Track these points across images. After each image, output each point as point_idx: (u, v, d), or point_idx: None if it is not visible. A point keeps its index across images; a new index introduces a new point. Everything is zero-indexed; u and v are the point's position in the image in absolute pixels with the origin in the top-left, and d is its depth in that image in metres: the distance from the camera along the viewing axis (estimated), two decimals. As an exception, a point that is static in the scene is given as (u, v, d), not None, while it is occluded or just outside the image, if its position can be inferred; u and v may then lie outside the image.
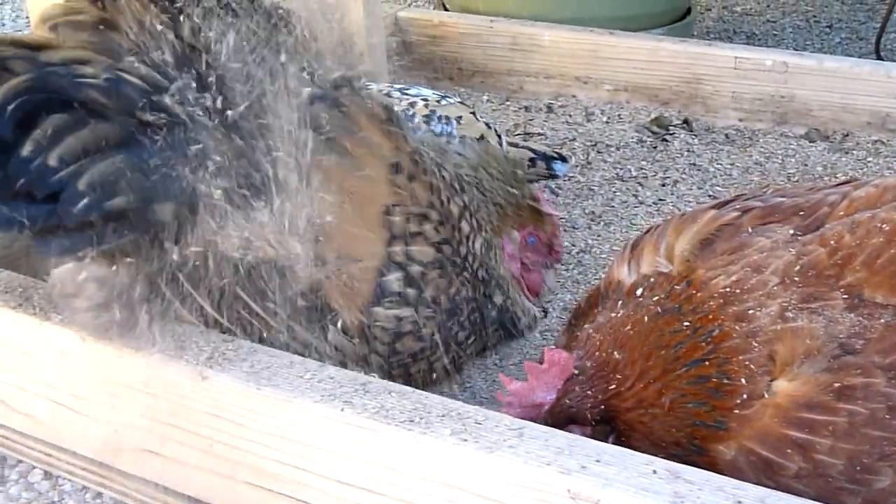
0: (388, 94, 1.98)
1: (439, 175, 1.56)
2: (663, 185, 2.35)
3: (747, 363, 1.25)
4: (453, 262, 1.54)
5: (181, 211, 1.28)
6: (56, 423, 1.52)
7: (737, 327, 1.27)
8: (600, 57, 2.77)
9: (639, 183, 2.37)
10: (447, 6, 3.26)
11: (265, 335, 1.40)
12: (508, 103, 2.88)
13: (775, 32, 3.81)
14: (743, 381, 1.25)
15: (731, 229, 1.38)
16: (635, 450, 1.20)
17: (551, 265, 1.87)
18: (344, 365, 1.42)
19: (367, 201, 1.45)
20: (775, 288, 1.28)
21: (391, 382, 1.31)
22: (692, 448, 1.29)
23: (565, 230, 2.15)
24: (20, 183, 1.19)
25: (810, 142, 2.57)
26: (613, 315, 1.39)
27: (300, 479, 1.31)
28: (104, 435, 1.48)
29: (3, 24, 4.02)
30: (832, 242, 1.29)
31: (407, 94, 2.02)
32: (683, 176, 2.40)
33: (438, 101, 2.01)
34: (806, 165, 2.45)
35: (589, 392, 1.34)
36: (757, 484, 1.12)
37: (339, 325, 1.44)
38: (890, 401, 1.17)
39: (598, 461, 1.16)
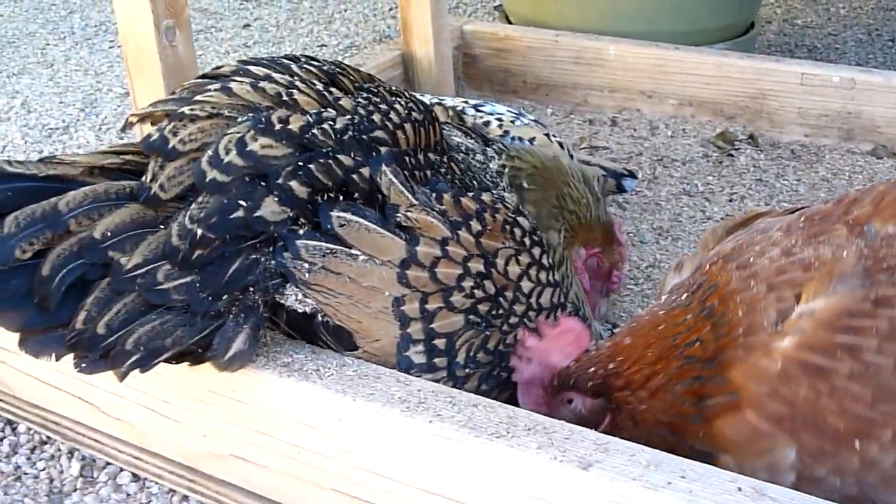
0: (462, 112, 2.01)
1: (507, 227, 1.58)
2: (730, 201, 2.37)
3: (747, 300, 1.32)
4: (496, 314, 1.53)
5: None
6: (146, 428, 1.58)
7: (736, 274, 1.35)
8: (665, 71, 2.78)
9: (706, 198, 2.39)
10: (511, 18, 3.29)
11: None
12: (573, 116, 2.91)
13: (837, 46, 3.80)
14: (740, 314, 1.32)
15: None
16: (622, 429, 1.34)
17: (606, 293, 1.90)
18: None
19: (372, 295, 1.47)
20: (778, 235, 1.37)
21: (479, 396, 1.35)
22: (690, 419, 1.32)
23: (633, 244, 2.17)
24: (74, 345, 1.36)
25: (877, 158, 2.56)
26: (644, 312, 1.46)
27: (387, 487, 1.35)
28: (193, 440, 1.53)
29: (73, 32, 4.13)
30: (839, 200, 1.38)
31: (481, 112, 2.05)
32: (750, 192, 2.41)
33: (513, 122, 2.03)
34: (873, 182, 2.44)
35: (594, 366, 1.42)
36: (810, 389, 1.19)
37: None
38: None
39: (682, 477, 1.19)
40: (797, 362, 1.25)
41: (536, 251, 1.61)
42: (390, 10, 4.34)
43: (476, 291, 1.51)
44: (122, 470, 1.65)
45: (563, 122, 2.87)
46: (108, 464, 1.67)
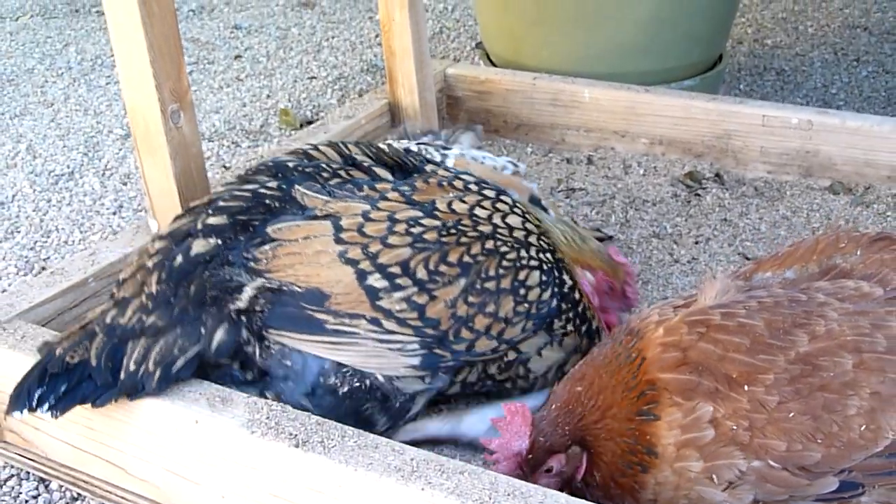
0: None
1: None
2: (696, 243, 2.55)
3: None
4: (449, 234, 1.84)
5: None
6: (169, 488, 1.76)
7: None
8: (637, 112, 2.96)
9: (674, 241, 2.57)
10: (490, 57, 3.46)
11: None
12: (551, 155, 3.09)
13: (804, 67, 3.98)
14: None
15: None
16: (603, 461, 1.58)
17: (626, 309, 2.10)
18: None
19: None
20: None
21: (465, 464, 1.53)
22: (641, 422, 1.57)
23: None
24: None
25: (834, 194, 2.75)
26: (581, 364, 1.69)
27: (386, 545, 1.54)
28: (212, 499, 1.71)
29: (70, 67, 4.28)
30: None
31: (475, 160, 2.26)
32: (715, 233, 2.60)
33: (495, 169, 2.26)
34: (829, 220, 2.63)
35: (559, 425, 1.61)
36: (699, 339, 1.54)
37: None
38: (788, 297, 1.60)
39: (641, 538, 1.38)
40: (685, 322, 1.57)
41: (487, 202, 1.91)
42: (376, 36, 4.50)
43: (413, 229, 1.80)
44: (147, 524, 1.84)
45: (542, 162, 3.05)
46: (134, 518, 1.85)
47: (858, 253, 1.75)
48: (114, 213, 2.99)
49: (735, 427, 1.50)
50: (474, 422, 1.89)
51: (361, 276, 1.73)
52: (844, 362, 1.52)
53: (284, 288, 1.74)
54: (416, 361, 1.76)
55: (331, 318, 1.72)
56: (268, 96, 3.88)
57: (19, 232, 2.91)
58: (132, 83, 2.03)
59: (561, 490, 1.59)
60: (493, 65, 3.42)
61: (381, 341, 1.73)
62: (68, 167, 3.32)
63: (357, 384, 1.75)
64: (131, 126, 2.10)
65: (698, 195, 2.78)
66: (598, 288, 2.04)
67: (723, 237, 2.58)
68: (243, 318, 1.76)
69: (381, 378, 1.76)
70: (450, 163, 2.31)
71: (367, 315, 1.72)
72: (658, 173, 2.91)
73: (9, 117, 3.78)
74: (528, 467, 1.59)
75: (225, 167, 3.27)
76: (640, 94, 2.95)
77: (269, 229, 1.78)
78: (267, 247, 1.76)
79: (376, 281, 1.73)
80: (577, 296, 1.95)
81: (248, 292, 1.75)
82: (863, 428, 1.51)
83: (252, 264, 1.75)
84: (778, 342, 1.54)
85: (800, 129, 2.76)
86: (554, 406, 1.63)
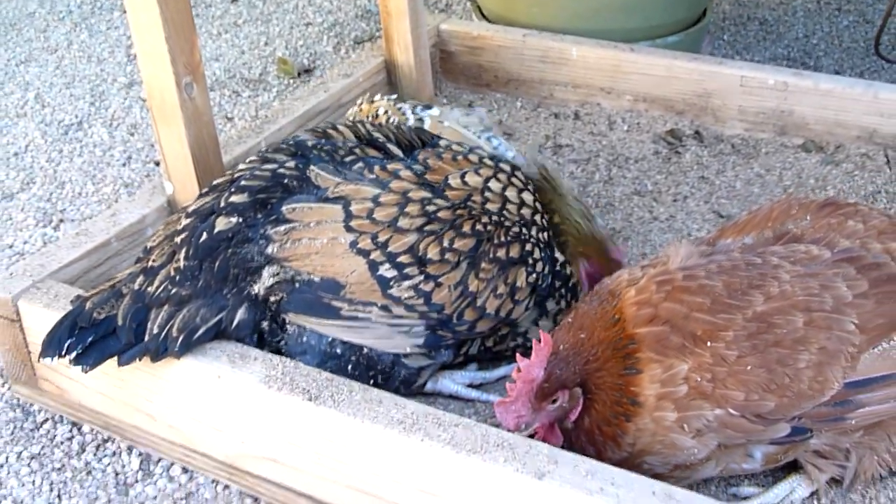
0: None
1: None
2: (675, 201, 2.73)
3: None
4: (461, 213, 2.01)
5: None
6: (193, 434, 1.97)
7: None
8: (622, 71, 3.11)
9: (654, 199, 2.75)
10: (485, 14, 3.58)
11: None
12: (540, 109, 3.24)
13: (787, 17, 4.11)
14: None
15: None
16: (595, 409, 1.77)
17: None
18: None
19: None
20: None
21: (460, 417, 1.73)
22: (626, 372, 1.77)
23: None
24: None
25: (806, 152, 2.92)
26: (576, 313, 1.88)
27: (389, 486, 1.75)
28: (233, 444, 1.92)
29: (71, 11, 4.37)
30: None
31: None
32: (692, 190, 2.77)
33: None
34: (800, 178, 2.81)
35: (570, 363, 1.78)
36: (664, 296, 1.75)
37: None
38: (745, 261, 1.79)
39: (612, 483, 1.58)
40: (653, 282, 1.78)
41: (503, 175, 2.08)
42: (370, -19, 4.59)
43: (428, 208, 1.96)
44: (173, 464, 2.04)
45: (531, 117, 3.20)
46: (161, 459, 2.06)
47: (808, 218, 1.94)
48: (123, 165, 3.14)
49: (700, 379, 1.70)
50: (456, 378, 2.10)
51: (373, 266, 1.90)
52: (796, 320, 1.72)
53: (303, 277, 1.91)
54: (420, 341, 1.95)
55: (346, 305, 1.90)
56: (265, 43, 3.99)
57: (34, 183, 3.06)
58: (149, 58, 2.17)
59: (552, 426, 1.80)
60: (486, 19, 3.54)
61: (391, 325, 1.92)
62: (76, 117, 3.45)
63: (366, 360, 1.94)
64: (148, 97, 2.24)
65: (678, 153, 2.95)
66: (588, 273, 2.20)
67: (699, 195, 2.76)
68: (262, 302, 1.93)
69: (389, 355, 1.95)
70: (426, 124, 2.48)
71: (379, 303, 1.90)
72: (641, 129, 3.07)
73: (14, 64, 3.90)
74: (539, 395, 1.75)
75: (228, 118, 3.41)
76: (626, 53, 3.09)
77: (283, 208, 1.94)
78: (282, 227, 1.92)
79: (387, 271, 1.90)
80: (568, 272, 2.13)
81: (266, 280, 1.91)
82: (811, 380, 1.71)
83: (269, 249, 1.91)
84: (736, 302, 1.74)
85: (776, 90, 2.92)
86: (562, 346, 1.80)
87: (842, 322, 1.73)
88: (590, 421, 1.81)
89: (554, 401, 1.79)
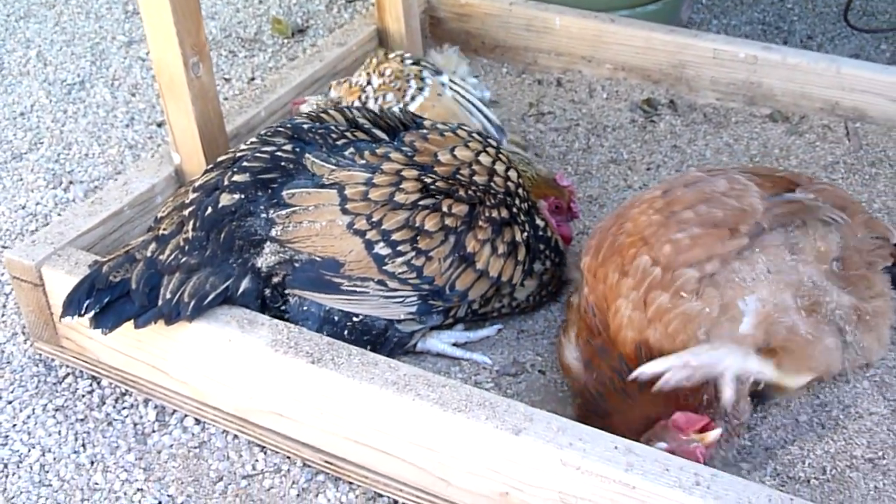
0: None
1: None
2: (648, 170, 2.92)
3: None
4: (455, 185, 2.21)
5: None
6: (206, 389, 2.17)
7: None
8: (603, 41, 3.27)
9: (629, 167, 2.93)
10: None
11: None
12: (524, 76, 3.40)
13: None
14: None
15: None
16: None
17: (573, 219, 2.48)
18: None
19: None
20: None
21: (447, 378, 1.94)
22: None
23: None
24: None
25: (773, 122, 3.10)
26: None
27: (384, 439, 1.97)
28: (242, 399, 2.13)
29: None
30: None
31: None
32: (665, 159, 2.96)
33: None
34: (766, 148, 3.00)
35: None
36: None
37: None
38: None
39: (580, 439, 1.80)
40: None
41: (491, 149, 2.29)
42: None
43: (426, 180, 2.16)
44: (186, 416, 2.25)
45: (515, 83, 3.37)
46: (175, 411, 2.27)
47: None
48: (127, 126, 3.30)
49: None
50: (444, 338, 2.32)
51: (369, 245, 2.09)
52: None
53: (303, 257, 2.11)
54: (413, 310, 2.16)
55: (345, 281, 2.10)
56: (260, 1, 4.11)
57: (42, 144, 3.22)
58: (158, 40, 2.32)
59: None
60: (474, -16, 3.67)
61: (386, 297, 2.12)
62: (78, 76, 3.59)
63: (362, 325, 2.15)
64: (157, 75, 2.40)
65: (653, 121, 3.13)
66: (550, 209, 2.41)
67: (671, 163, 2.95)
68: (266, 278, 2.13)
69: (383, 321, 2.15)
70: (425, 94, 2.67)
71: (375, 278, 2.10)
72: (619, 98, 3.24)
73: (14, 20, 4.01)
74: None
75: (225, 79, 3.56)
76: (607, 24, 3.25)
77: (284, 193, 2.12)
78: (283, 211, 2.11)
79: (381, 249, 2.10)
80: (549, 234, 2.33)
81: (269, 258, 2.11)
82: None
83: (273, 231, 2.10)
84: None
85: (746, 63, 3.09)
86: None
87: None
88: None
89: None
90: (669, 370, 1.91)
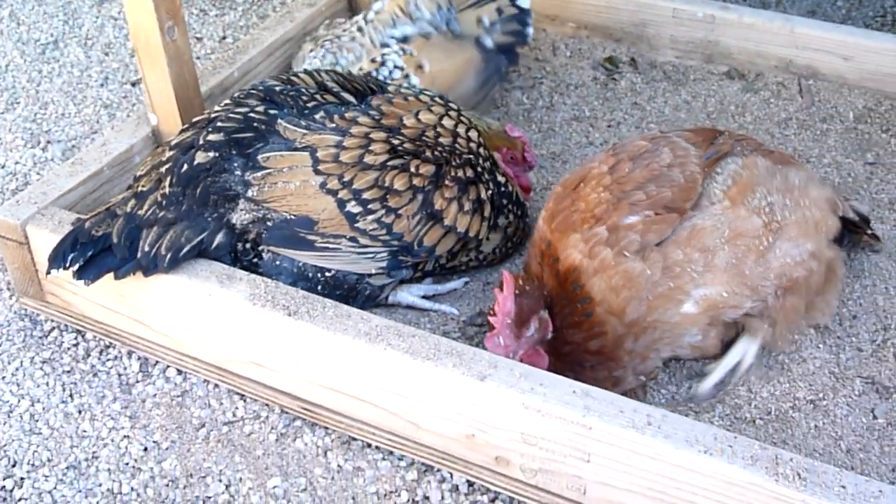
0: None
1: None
2: (609, 127, 3.03)
3: None
4: (419, 146, 2.32)
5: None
6: (186, 341, 2.29)
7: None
8: (567, 1, 3.36)
9: (590, 124, 3.05)
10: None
11: None
12: (490, 34, 3.49)
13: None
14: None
15: None
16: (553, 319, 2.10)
17: (530, 168, 2.60)
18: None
19: None
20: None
21: (416, 329, 2.06)
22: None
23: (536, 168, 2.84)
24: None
25: (730, 79, 3.22)
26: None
27: (356, 385, 2.10)
28: (221, 350, 2.24)
29: None
30: None
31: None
32: (626, 116, 3.07)
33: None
34: (722, 105, 3.12)
35: (538, 292, 2.12)
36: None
37: None
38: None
39: (541, 385, 1.94)
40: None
41: (454, 112, 2.41)
42: None
43: (393, 141, 2.28)
44: (168, 367, 2.36)
45: (482, 41, 3.45)
46: (158, 362, 2.38)
47: None
48: (101, 86, 3.36)
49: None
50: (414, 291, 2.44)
51: (341, 204, 2.20)
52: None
53: (276, 216, 2.21)
54: (383, 265, 2.27)
55: (318, 238, 2.21)
56: (229, -41, 4.14)
57: (18, 104, 3.28)
58: (135, 5, 2.39)
59: (535, 350, 2.11)
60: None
61: (358, 253, 2.23)
62: (52, 35, 3.64)
63: (334, 280, 2.26)
64: (134, 40, 2.48)
65: (615, 79, 3.24)
66: (506, 160, 2.53)
67: (631, 120, 3.06)
68: (240, 234, 2.24)
69: (354, 276, 2.27)
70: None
71: (347, 235, 2.21)
72: (582, 56, 3.34)
73: (-16, -22, 4.02)
74: (517, 324, 2.06)
75: (197, 38, 3.62)
76: (570, -16, 3.34)
77: (259, 157, 2.23)
78: (259, 173, 2.21)
79: (353, 207, 2.21)
80: (510, 188, 2.45)
81: (244, 215, 2.22)
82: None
83: (250, 192, 2.21)
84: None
85: (704, 22, 3.20)
86: (521, 281, 2.13)
87: None
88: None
89: (528, 327, 2.09)
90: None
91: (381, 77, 2.73)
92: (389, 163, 2.24)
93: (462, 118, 2.40)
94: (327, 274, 2.26)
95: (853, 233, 2.49)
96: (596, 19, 3.35)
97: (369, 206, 2.22)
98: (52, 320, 2.48)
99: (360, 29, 2.86)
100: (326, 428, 2.20)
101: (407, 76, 2.77)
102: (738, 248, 2.10)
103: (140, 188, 2.28)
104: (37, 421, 2.26)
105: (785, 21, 3.13)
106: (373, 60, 2.77)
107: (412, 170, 2.25)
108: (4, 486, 2.12)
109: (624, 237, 2.07)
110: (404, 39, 2.84)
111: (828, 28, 3.13)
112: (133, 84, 3.36)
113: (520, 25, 2.99)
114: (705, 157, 2.21)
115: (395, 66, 2.77)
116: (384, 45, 2.82)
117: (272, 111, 2.28)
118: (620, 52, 3.34)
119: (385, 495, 2.08)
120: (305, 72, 2.45)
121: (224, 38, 3.61)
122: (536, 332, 2.10)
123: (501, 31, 2.98)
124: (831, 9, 3.73)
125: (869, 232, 2.52)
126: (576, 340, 2.12)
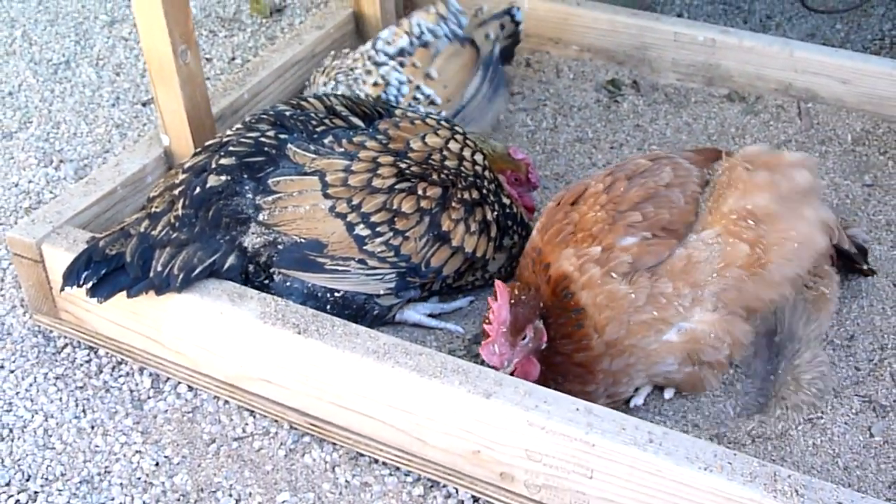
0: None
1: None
2: (612, 148, 3.09)
3: None
4: (426, 170, 2.37)
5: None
6: (198, 358, 2.34)
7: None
8: (569, 24, 3.42)
9: (593, 146, 3.10)
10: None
11: None
12: (495, 56, 3.55)
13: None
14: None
15: None
16: (549, 329, 2.15)
17: (534, 189, 2.66)
18: None
19: None
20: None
21: (423, 347, 2.11)
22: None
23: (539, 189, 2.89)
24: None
25: (730, 101, 3.28)
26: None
27: (364, 403, 2.14)
28: (232, 367, 2.29)
29: None
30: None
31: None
32: (628, 138, 3.13)
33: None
34: (723, 127, 3.18)
35: (534, 301, 2.15)
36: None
37: None
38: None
39: (545, 402, 1.98)
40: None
41: (459, 136, 2.46)
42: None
43: (400, 165, 2.34)
44: (180, 383, 2.41)
45: (486, 63, 3.51)
46: (169, 378, 2.43)
47: None
48: (113, 106, 3.42)
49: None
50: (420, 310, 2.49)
51: (350, 227, 2.25)
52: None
53: (287, 239, 2.27)
54: (391, 286, 2.32)
55: (328, 261, 2.26)
56: (238, -19, 4.21)
57: (31, 123, 3.34)
58: (149, 29, 2.46)
59: (528, 359, 2.15)
60: (446, -34, 3.80)
61: (367, 274, 2.28)
62: (63, 56, 3.70)
63: (343, 300, 2.31)
64: (148, 62, 2.54)
65: (617, 101, 3.29)
66: (510, 182, 2.58)
67: (634, 142, 3.12)
68: (252, 256, 2.29)
69: (363, 296, 2.32)
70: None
71: (356, 257, 2.27)
72: (585, 78, 3.40)
73: (-3, -1, 4.09)
74: (512, 332, 2.09)
75: (207, 59, 3.68)
76: (573, 8, 3.40)
77: (269, 181, 2.28)
78: (269, 197, 2.27)
79: (361, 230, 2.27)
80: (515, 209, 2.50)
81: (255, 239, 2.27)
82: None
83: (260, 216, 2.26)
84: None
85: (705, 46, 3.26)
86: (517, 291, 2.16)
87: None
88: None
89: (524, 336, 2.13)
90: None
91: (390, 96, 2.78)
92: (397, 186, 2.30)
93: (468, 141, 2.46)
94: (336, 294, 2.31)
95: (848, 265, 2.54)
96: (599, 42, 3.42)
97: (378, 229, 2.28)
98: (66, 337, 2.53)
99: (370, 58, 2.91)
100: (335, 444, 2.25)
101: (418, 87, 2.83)
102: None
103: (153, 209, 2.34)
104: (50, 436, 2.31)
105: (784, 45, 3.19)
106: (375, 84, 2.83)
107: (419, 192, 2.31)
108: (19, 500, 2.17)
109: (615, 258, 2.12)
110: (400, 53, 2.91)
111: (826, 52, 3.19)
112: (144, 104, 3.42)
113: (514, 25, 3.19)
114: (709, 175, 2.26)
115: (400, 82, 2.83)
116: (380, 65, 2.88)
117: (282, 136, 2.34)
118: (623, 74, 3.40)
119: (392, 510, 2.13)
120: (315, 96, 2.52)
121: (233, 58, 3.67)
122: (531, 342, 2.15)
123: (503, 37, 3.17)
124: (830, 32, 3.79)
125: (865, 267, 2.56)
126: (566, 352, 2.17)
